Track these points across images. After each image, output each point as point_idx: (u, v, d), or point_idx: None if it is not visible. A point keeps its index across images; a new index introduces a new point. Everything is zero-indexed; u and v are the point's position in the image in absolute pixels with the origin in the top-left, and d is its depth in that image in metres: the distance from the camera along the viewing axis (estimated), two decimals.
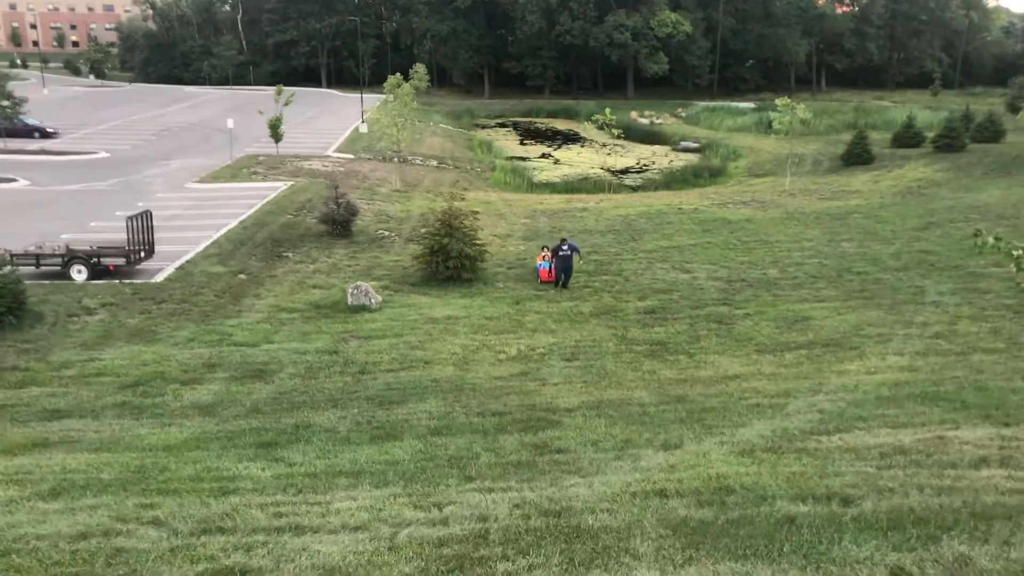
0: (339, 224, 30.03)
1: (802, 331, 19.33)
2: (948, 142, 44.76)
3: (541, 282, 24.90)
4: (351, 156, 47.25)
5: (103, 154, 45.45)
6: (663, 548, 6.01)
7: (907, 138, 48.69)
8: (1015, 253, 8.17)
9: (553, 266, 24.70)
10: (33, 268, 23.26)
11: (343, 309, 22.64)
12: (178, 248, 26.77)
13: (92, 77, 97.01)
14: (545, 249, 25.82)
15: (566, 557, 5.86)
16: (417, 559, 6.01)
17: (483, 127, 69.28)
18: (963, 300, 20.88)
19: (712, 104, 76.21)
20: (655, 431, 11.47)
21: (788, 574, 5.18)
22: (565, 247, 24.43)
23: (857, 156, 45.81)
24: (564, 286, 24.31)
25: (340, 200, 30.29)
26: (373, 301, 23.07)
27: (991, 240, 8.35)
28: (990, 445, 9.08)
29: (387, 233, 31.45)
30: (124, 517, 7.50)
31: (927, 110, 62.09)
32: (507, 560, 5.89)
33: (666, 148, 58.04)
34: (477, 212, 27.84)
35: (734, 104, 75.02)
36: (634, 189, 44.46)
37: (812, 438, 10.39)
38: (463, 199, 29.50)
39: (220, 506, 7.96)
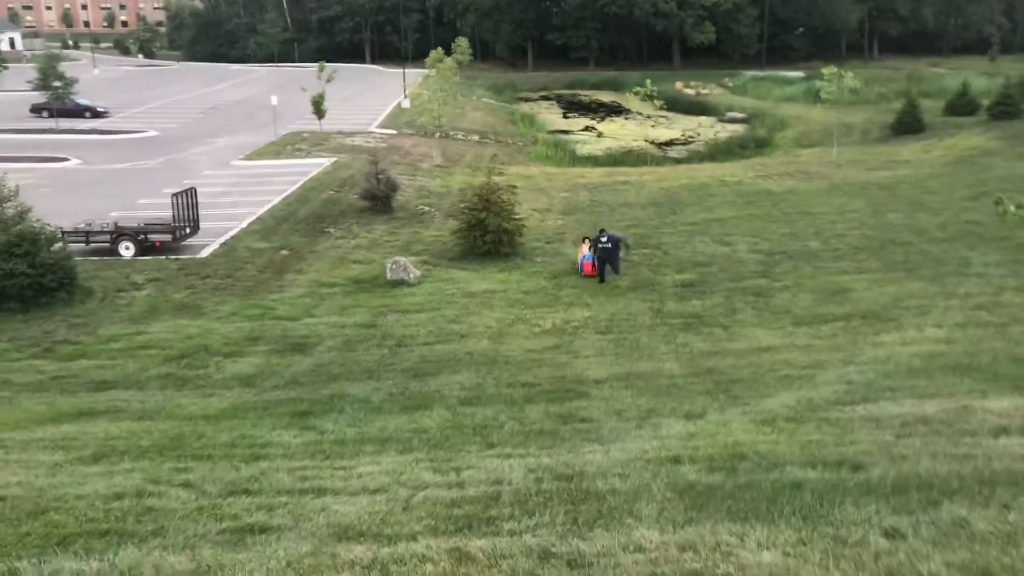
0: (380, 200, 30.38)
1: (840, 303, 19.16)
2: (1004, 109, 43.52)
3: (584, 275, 22.86)
4: (393, 132, 47.58)
5: (152, 133, 46.45)
6: (666, 510, 6.16)
7: (961, 106, 47.45)
8: None
9: (595, 259, 22.79)
10: (83, 245, 24.04)
11: (382, 284, 23.00)
12: (223, 224, 27.38)
13: (141, 56, 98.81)
14: (586, 240, 23.77)
15: (571, 517, 6.04)
16: (428, 518, 6.25)
17: (526, 100, 69.12)
18: (1009, 272, 20.45)
19: (760, 74, 74.94)
20: (680, 402, 11.57)
21: (783, 533, 5.29)
22: (604, 239, 22.52)
23: (908, 125, 44.83)
24: (602, 280, 22.33)
25: (381, 176, 30.61)
26: (412, 276, 23.38)
27: (1012, 208, 8.26)
28: (1014, 415, 9.03)
29: (427, 208, 31.72)
30: (158, 479, 7.88)
31: (983, 76, 60.27)
32: (514, 520, 6.10)
33: (712, 119, 57.36)
34: (515, 187, 27.93)
35: (783, 73, 73.69)
36: (678, 161, 44.12)
37: (836, 408, 10.41)
38: (502, 174, 29.61)
39: (249, 470, 8.31)
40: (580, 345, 16.79)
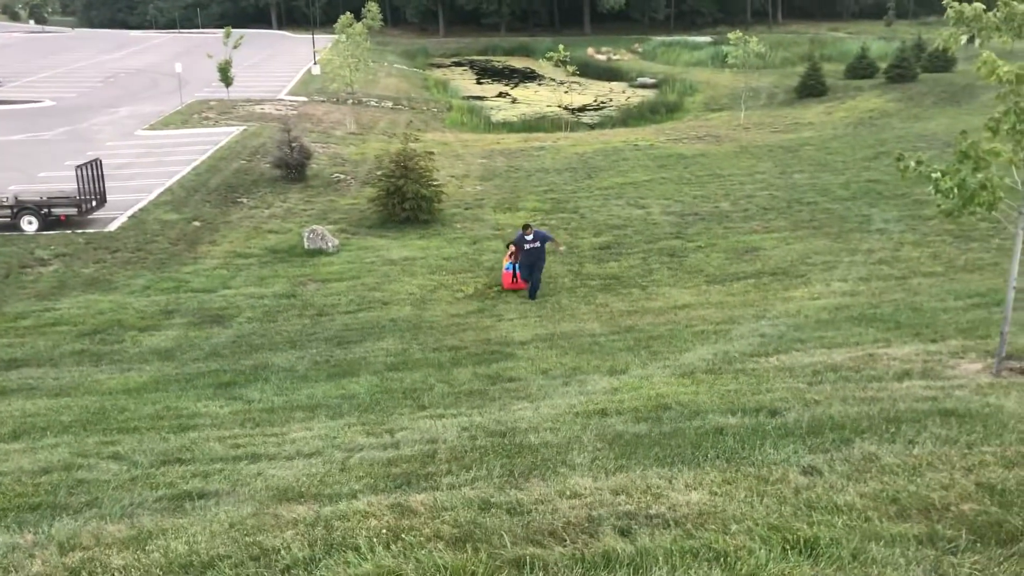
0: (293, 168, 29.86)
1: (751, 261, 19.83)
2: (900, 72, 45.18)
3: (503, 290, 18.59)
4: (304, 99, 46.65)
5: (48, 102, 44.41)
6: (598, 459, 6.40)
7: (860, 69, 49.04)
8: (933, 176, 8.56)
9: (518, 267, 18.43)
10: None
11: (300, 253, 22.74)
12: (130, 197, 26.53)
13: (32, 23, 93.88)
14: (512, 247, 18.76)
15: (507, 470, 6.23)
16: (367, 478, 6.35)
17: (438, 66, 68.51)
18: (907, 227, 21.48)
19: (669, 39, 75.75)
20: (603, 359, 11.88)
21: (709, 475, 5.58)
22: (530, 237, 17.88)
23: (811, 88, 46.14)
24: (532, 296, 17.97)
25: (293, 144, 30.07)
26: (330, 244, 23.17)
27: (912, 164, 8.73)
28: (915, 360, 9.59)
29: (342, 176, 31.32)
30: (85, 453, 7.75)
31: (881, 40, 62.30)
32: (451, 475, 6.25)
33: (623, 85, 57.94)
34: (433, 153, 27.81)
35: (691, 38, 74.68)
36: (592, 127, 44.49)
37: (751, 360, 10.86)
38: (418, 140, 29.40)
39: (179, 440, 8.24)
40: (503, 309, 16.99)
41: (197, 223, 24.97)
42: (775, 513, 4.75)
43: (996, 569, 3.89)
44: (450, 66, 69.41)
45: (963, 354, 9.73)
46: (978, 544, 4.17)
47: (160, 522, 5.34)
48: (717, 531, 4.50)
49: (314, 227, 23.75)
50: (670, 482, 5.55)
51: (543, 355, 12.53)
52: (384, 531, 4.82)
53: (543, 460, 6.44)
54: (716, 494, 5.19)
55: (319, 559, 4.47)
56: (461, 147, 37.17)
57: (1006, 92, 8.27)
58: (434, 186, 25.75)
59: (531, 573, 4.10)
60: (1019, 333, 10.12)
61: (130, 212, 25.31)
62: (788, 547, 4.23)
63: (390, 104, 48.56)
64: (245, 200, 27.67)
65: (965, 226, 20.57)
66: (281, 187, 29.26)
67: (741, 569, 3.99)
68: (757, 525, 4.54)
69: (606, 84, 58.22)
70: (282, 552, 4.60)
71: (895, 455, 5.81)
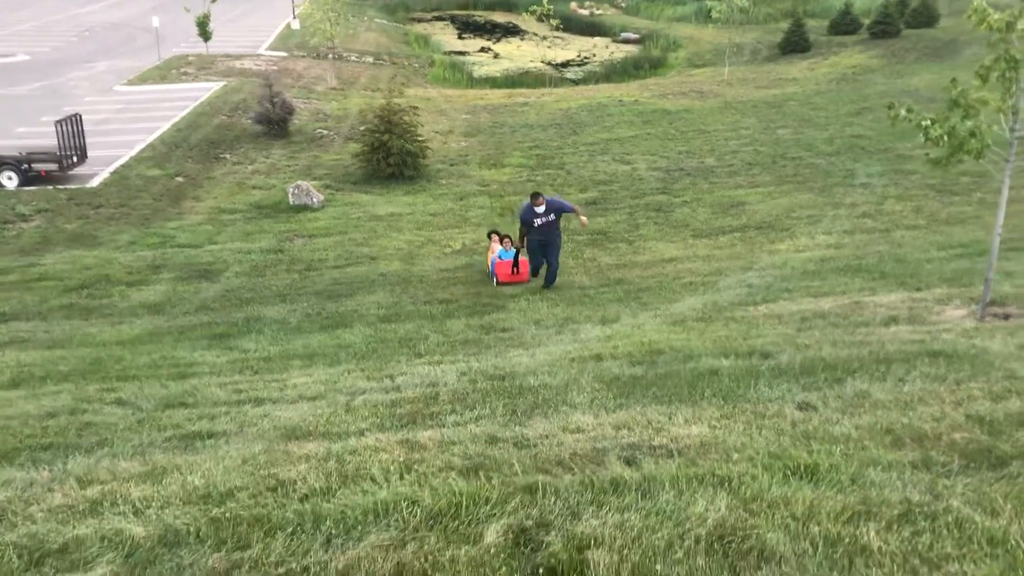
0: (275, 124, 29.59)
1: (736, 216, 19.98)
2: (883, 28, 45.11)
3: (499, 283, 14.99)
4: (284, 54, 46.02)
5: (22, 56, 43.55)
6: (597, 399, 6.56)
7: (843, 25, 48.89)
8: (923, 124, 8.68)
9: (522, 253, 15.06)
10: None
11: (285, 209, 22.65)
12: (111, 152, 26.25)
13: None
14: (495, 236, 15.83)
15: (509, 409, 6.38)
16: (372, 417, 6.49)
17: (419, 21, 67.58)
18: (890, 181, 21.68)
19: None
20: (594, 309, 12.04)
21: (707, 411, 5.76)
22: (541, 209, 14.32)
23: (794, 44, 46.00)
24: (550, 283, 14.60)
25: (275, 99, 29.77)
26: (315, 200, 23.09)
27: (903, 112, 8.85)
28: (901, 307, 9.81)
29: (325, 132, 31.10)
30: (88, 399, 7.84)
31: None
32: (455, 413, 6.40)
33: (607, 40, 57.46)
34: (417, 108, 27.64)
35: None
36: (575, 82, 44.26)
37: (739, 308, 11.05)
38: (401, 95, 29.21)
39: (180, 387, 8.34)
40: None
41: (180, 179, 24.79)
42: (774, 443, 4.93)
43: (988, 489, 4.08)
44: (431, 20, 68.50)
45: (947, 301, 9.95)
46: (970, 468, 4.37)
47: (173, 459, 5.45)
48: (719, 460, 4.68)
49: (299, 183, 23.63)
50: (670, 418, 5.71)
51: (534, 307, 12.67)
52: (396, 463, 4.96)
53: (544, 400, 6.60)
54: (715, 428, 5.36)
55: (335, 489, 4.60)
56: (444, 103, 36.93)
57: (996, 40, 8.38)
58: (419, 141, 25.63)
59: (543, 497, 4.26)
60: (1002, 280, 10.35)
61: (112, 168, 25.06)
62: (789, 473, 4.41)
63: (371, 59, 47.99)
64: (228, 156, 27.45)
65: (947, 180, 20.82)
66: (263, 143, 29.02)
67: (745, 492, 4.16)
68: (758, 454, 4.71)
69: (589, 39, 57.75)
70: (298, 483, 4.73)
71: (886, 392, 6.00)
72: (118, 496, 4.65)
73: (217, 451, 5.69)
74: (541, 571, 3.54)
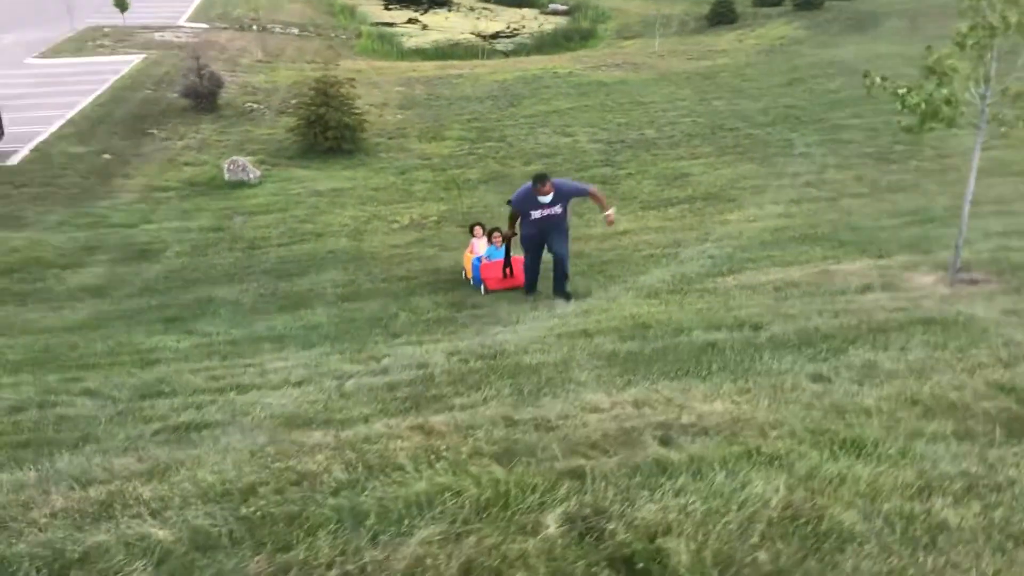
0: (204, 97, 28.55)
1: (682, 187, 20.05)
2: (807, 0, 45.87)
3: (487, 291, 11.85)
4: (205, 26, 44.45)
5: None
6: (602, 376, 6.43)
7: None
8: (900, 92, 8.75)
9: (518, 250, 11.80)
10: None
11: (220, 185, 21.90)
12: (30, 129, 24.95)
13: None
14: (478, 230, 13.01)
15: (515, 389, 6.20)
16: (372, 403, 6.22)
17: None
18: (828, 151, 22.03)
19: None
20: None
21: (722, 386, 5.67)
22: (547, 198, 10.80)
23: (721, 15, 46.45)
24: (560, 286, 11.23)
25: (203, 72, 28.72)
26: (252, 176, 22.37)
27: (878, 80, 8.90)
28: (870, 274, 9.92)
29: (256, 106, 30.14)
30: (52, 391, 7.34)
31: None
32: (460, 395, 6.19)
33: (535, 11, 57.10)
34: (354, 80, 26.98)
35: None
36: (506, 54, 43.88)
37: (709, 280, 11.05)
38: (338, 66, 28.52)
39: (149, 375, 7.90)
40: (445, 238, 16.76)
41: (107, 156, 23.72)
42: (807, 418, 4.86)
43: None
44: None
45: (913, 268, 10.11)
46: (1011, 438, 4.36)
47: (172, 454, 5.11)
48: (757, 436, 4.58)
49: (234, 158, 22.85)
50: (685, 394, 5.61)
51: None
52: (420, 451, 4.73)
53: (547, 379, 6.43)
54: (738, 403, 5.27)
55: (364, 481, 4.36)
56: (376, 75, 36.18)
57: (966, 7, 8.45)
58: (356, 114, 25.06)
59: (593, 483, 4.10)
60: (963, 247, 10.56)
61: (32, 145, 23.84)
62: (836, 448, 4.34)
63: (296, 31, 46.71)
64: (155, 131, 26.38)
65: (883, 148, 21.31)
66: (192, 117, 27.98)
67: (800, 470, 4.07)
68: (797, 430, 4.64)
69: (518, 11, 57.26)
70: (322, 476, 4.46)
71: (892, 361, 6.01)
72: (128, 497, 4.32)
73: (216, 443, 5.37)
74: (618, 563, 3.38)
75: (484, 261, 12.25)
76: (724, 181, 20.24)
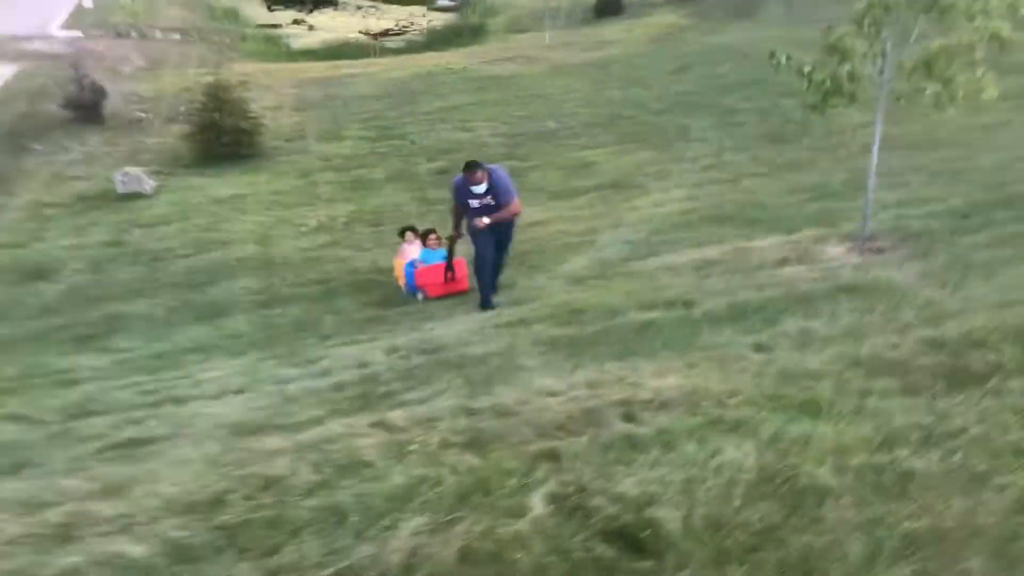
0: (87, 108, 27.32)
1: (587, 176, 20.34)
2: None
3: (427, 299, 10.95)
4: (79, 34, 42.54)
5: None
6: (549, 361, 6.49)
7: None
8: (805, 69, 9.11)
9: (452, 250, 10.97)
10: None
11: (114, 198, 21.05)
12: None
13: None
14: (410, 235, 12.25)
15: (467, 381, 6.19)
16: (321, 404, 6.10)
17: None
18: (724, 135, 22.67)
19: None
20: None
21: (669, 363, 5.81)
22: (481, 187, 9.94)
23: (608, 7, 47.23)
24: (488, 298, 10.06)
25: (84, 81, 27.52)
26: (147, 187, 21.57)
27: (783, 59, 9.23)
28: (784, 248, 10.29)
29: (143, 115, 29.03)
30: None
31: None
32: (412, 390, 6.14)
33: (422, 8, 56.88)
34: (247, 83, 26.33)
35: None
36: (397, 52, 43.57)
37: (630, 264, 11.26)
38: (226, 71, 27.77)
39: (74, 395, 7.57)
40: (357, 239, 16.54)
41: None
42: (759, 386, 5.03)
43: (978, 404, 4.34)
44: None
45: (823, 241, 10.52)
46: (953, 389, 4.62)
47: (122, 471, 4.92)
48: (717, 406, 4.72)
49: (126, 169, 21.97)
50: (636, 372, 5.72)
51: None
52: (386, 446, 4.70)
53: (496, 368, 6.45)
54: (689, 377, 5.41)
55: (335, 480, 4.30)
56: (267, 78, 35.32)
57: None
58: (252, 118, 24.47)
59: (570, 461, 4.16)
60: (860, 218, 11.06)
61: None
62: (794, 411, 4.51)
63: (177, 36, 45.23)
64: (38, 146, 25.14)
65: (774, 129, 22.08)
66: (76, 129, 26.76)
67: (765, 434, 4.22)
68: (753, 397, 4.80)
69: (404, 8, 56.94)
70: (292, 479, 4.38)
71: (826, 328, 6.27)
72: (88, 517, 4.15)
73: (165, 457, 5.19)
74: (611, 535, 3.44)
75: (419, 266, 11.06)
76: (628, 168, 20.61)
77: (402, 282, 11.60)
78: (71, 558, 3.68)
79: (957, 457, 3.75)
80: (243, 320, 10.97)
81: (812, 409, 4.52)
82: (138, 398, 7.16)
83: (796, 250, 10.17)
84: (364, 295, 11.80)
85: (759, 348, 5.95)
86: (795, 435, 4.17)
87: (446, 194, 19.78)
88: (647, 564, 3.20)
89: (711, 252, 10.91)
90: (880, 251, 9.65)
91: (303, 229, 18.00)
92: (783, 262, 9.54)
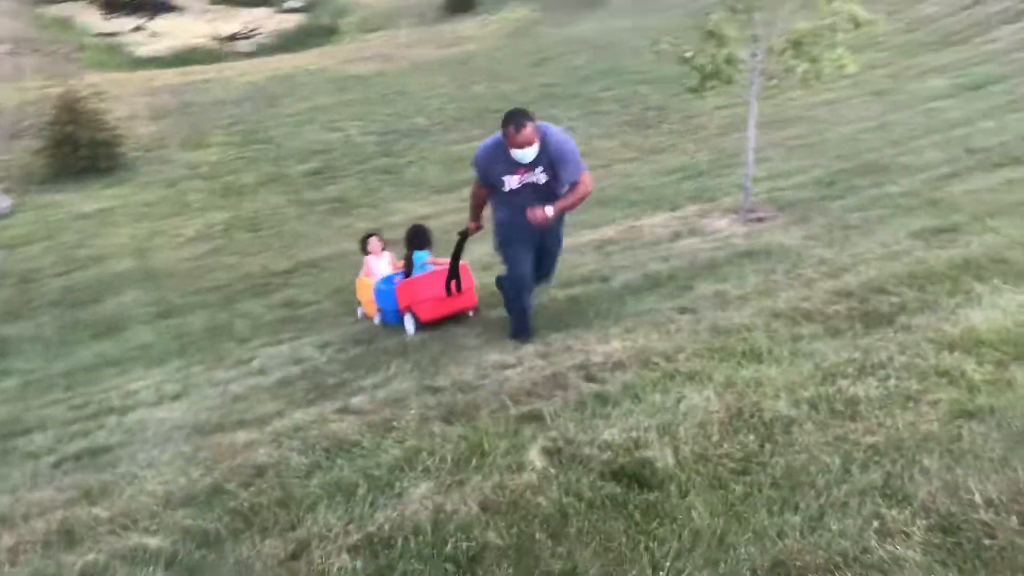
0: None
1: (466, 170, 20.55)
2: None
3: (421, 325, 7.74)
4: None
5: None
6: (490, 340, 6.77)
7: None
8: (687, 54, 9.76)
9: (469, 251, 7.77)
10: None
11: None
12: None
13: None
14: (373, 242, 9.35)
15: (415, 365, 6.39)
16: (275, 399, 6.17)
17: (53, 3, 60.76)
18: (589, 123, 23.49)
19: None
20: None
21: (609, 330, 6.21)
22: (523, 155, 6.49)
23: (459, 3, 47.58)
24: (519, 331, 6.69)
25: None
26: (2, 206, 20.50)
27: (666, 46, 9.85)
28: (674, 224, 10.95)
29: None
30: None
31: None
32: (362, 378, 6.27)
33: (270, 10, 55.56)
34: (102, 94, 25.28)
35: None
36: (249, 55, 42.57)
37: None
38: (74, 81, 26.49)
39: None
40: (240, 245, 16.32)
41: None
42: (698, 341, 5.51)
43: (895, 338, 4.95)
44: (65, 1, 61.83)
45: (707, 215, 11.25)
46: (871, 329, 5.23)
47: (94, 478, 4.91)
48: (668, 361, 5.17)
49: None
50: (580, 340, 6.11)
51: (321, 279, 12.41)
52: (367, 426, 4.89)
53: (439, 351, 6.69)
54: (632, 340, 5.84)
55: (329, 461, 4.47)
56: (115, 87, 33.78)
57: None
58: (108, 129, 23.60)
59: (552, 421, 4.49)
60: (733, 192, 11.89)
61: None
62: (739, 359, 5.00)
63: (7, 48, 42.63)
64: None
65: (637, 116, 23.11)
66: None
67: (719, 380, 4.68)
68: (697, 351, 5.27)
69: (251, 10, 55.46)
70: (282, 464, 4.52)
71: (739, 288, 6.84)
72: (82, 520, 4.17)
73: (134, 461, 5.20)
74: (616, 475, 3.80)
75: (398, 284, 7.95)
76: None
77: (372, 309, 8.65)
78: (89, 556, 3.72)
79: (891, 382, 4.31)
80: (147, 331, 10.73)
81: (754, 356, 5.02)
82: (70, 413, 6.99)
83: (685, 224, 10.84)
84: (266, 298, 11.74)
85: (684, 311, 6.44)
86: (747, 378, 4.64)
87: (324, 195, 19.91)
88: (654, 495, 3.56)
89: (608, 231, 11.46)
90: (761, 220, 10.41)
91: (180, 239, 17.57)
92: (676, 236, 10.17)
